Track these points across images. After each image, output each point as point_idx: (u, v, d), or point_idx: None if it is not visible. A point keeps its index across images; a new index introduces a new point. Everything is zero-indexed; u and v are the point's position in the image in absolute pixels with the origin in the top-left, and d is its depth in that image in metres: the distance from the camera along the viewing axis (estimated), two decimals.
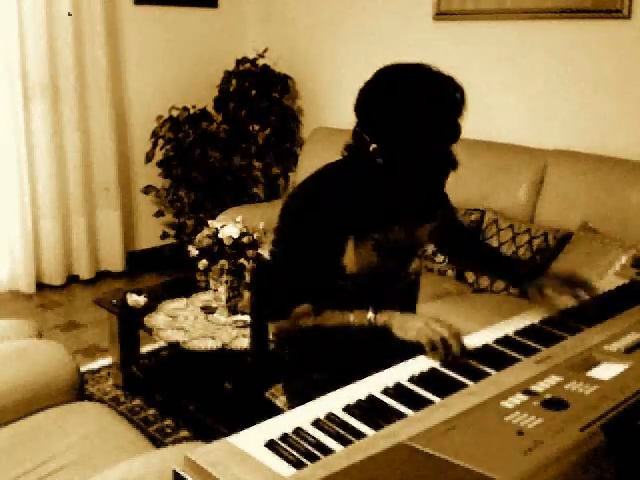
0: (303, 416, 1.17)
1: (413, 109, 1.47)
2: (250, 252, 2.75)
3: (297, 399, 1.70)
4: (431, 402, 1.22)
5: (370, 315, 1.57)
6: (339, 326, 1.61)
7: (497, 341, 1.49)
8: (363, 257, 1.63)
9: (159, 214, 4.44)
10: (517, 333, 1.54)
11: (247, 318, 2.75)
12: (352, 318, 1.59)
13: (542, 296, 1.73)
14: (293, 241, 1.64)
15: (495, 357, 1.41)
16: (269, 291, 1.74)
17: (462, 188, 3.21)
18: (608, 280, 2.00)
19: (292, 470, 1.01)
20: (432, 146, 1.51)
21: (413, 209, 1.71)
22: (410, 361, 1.41)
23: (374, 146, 1.53)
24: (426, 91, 1.48)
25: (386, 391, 1.27)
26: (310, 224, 1.60)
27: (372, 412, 1.19)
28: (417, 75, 1.51)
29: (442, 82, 1.50)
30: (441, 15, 3.75)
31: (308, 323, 1.63)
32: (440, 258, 3.22)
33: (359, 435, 1.11)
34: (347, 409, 1.20)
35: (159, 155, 4.32)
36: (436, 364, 1.39)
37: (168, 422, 2.80)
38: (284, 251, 1.67)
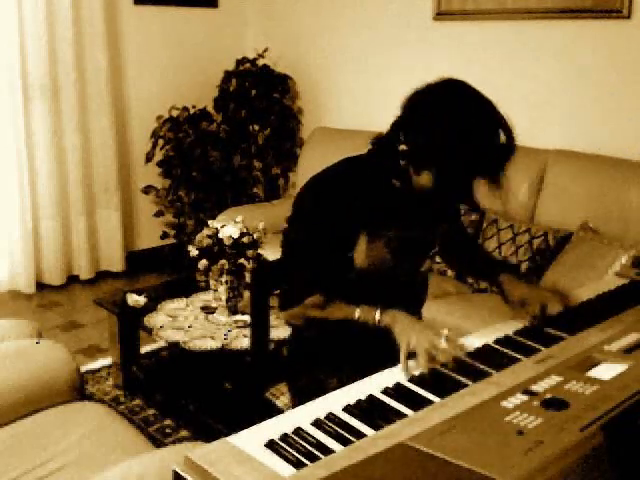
0: (303, 416, 1.17)
1: (459, 136, 1.44)
2: (250, 252, 2.75)
3: (301, 398, 1.70)
4: (431, 402, 1.22)
5: (376, 314, 1.57)
6: (343, 321, 1.60)
7: (497, 341, 1.49)
8: (375, 253, 1.63)
9: (159, 214, 4.44)
10: (517, 333, 1.54)
11: (247, 318, 2.74)
12: (358, 314, 1.59)
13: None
14: (306, 229, 1.65)
15: (495, 357, 1.41)
16: (282, 279, 1.75)
17: None
18: (608, 280, 2.00)
19: (292, 470, 1.01)
20: (458, 178, 1.51)
21: (425, 213, 1.70)
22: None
23: (404, 147, 1.52)
24: (480, 126, 1.46)
25: (386, 391, 1.27)
26: (323, 213, 1.60)
27: (372, 412, 1.19)
28: (478, 104, 1.48)
29: (499, 123, 1.47)
30: (441, 15, 3.75)
31: (316, 314, 1.64)
32: (440, 258, 3.21)
33: (359, 435, 1.11)
34: (347, 409, 1.20)
35: (159, 155, 4.32)
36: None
37: (168, 422, 2.80)
38: (297, 238, 1.68)
